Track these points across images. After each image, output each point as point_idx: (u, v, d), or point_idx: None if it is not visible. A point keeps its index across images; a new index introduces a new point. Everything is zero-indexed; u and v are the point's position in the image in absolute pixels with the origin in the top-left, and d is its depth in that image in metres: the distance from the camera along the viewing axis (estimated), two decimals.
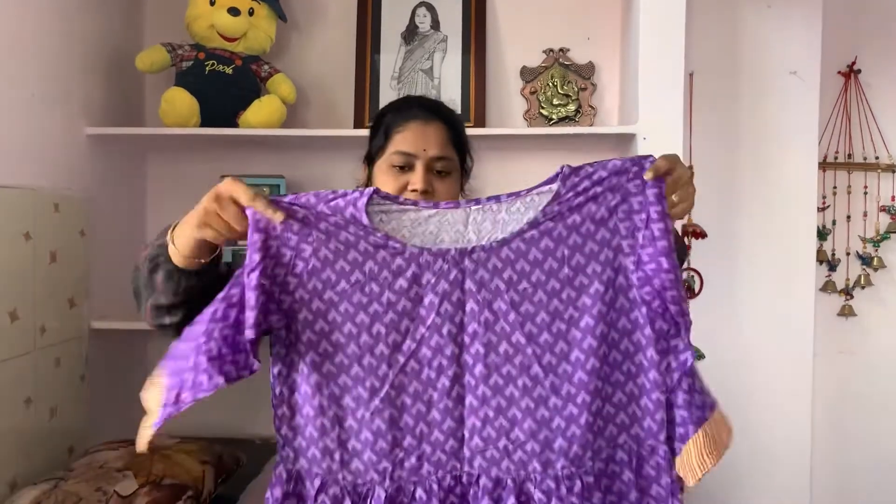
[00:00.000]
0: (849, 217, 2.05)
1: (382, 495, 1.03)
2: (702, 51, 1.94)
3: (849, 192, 2.05)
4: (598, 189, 1.04)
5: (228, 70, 1.87)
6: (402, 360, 1.03)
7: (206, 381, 0.97)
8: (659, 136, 1.69)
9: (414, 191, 1.22)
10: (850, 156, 2.06)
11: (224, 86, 1.86)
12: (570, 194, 1.03)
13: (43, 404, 1.59)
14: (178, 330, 1.13)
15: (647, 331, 1.04)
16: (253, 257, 0.98)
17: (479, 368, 1.03)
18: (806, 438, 1.92)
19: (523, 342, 1.03)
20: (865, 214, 2.04)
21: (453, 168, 1.28)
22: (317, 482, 1.03)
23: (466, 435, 1.04)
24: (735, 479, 1.91)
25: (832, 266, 2.05)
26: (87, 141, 1.79)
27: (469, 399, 1.04)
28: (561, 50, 2.01)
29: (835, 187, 2.05)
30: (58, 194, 1.66)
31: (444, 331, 1.03)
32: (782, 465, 1.91)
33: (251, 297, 0.97)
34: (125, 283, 1.99)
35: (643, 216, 1.03)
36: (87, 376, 1.76)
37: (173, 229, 1.09)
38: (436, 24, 2.02)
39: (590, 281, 1.03)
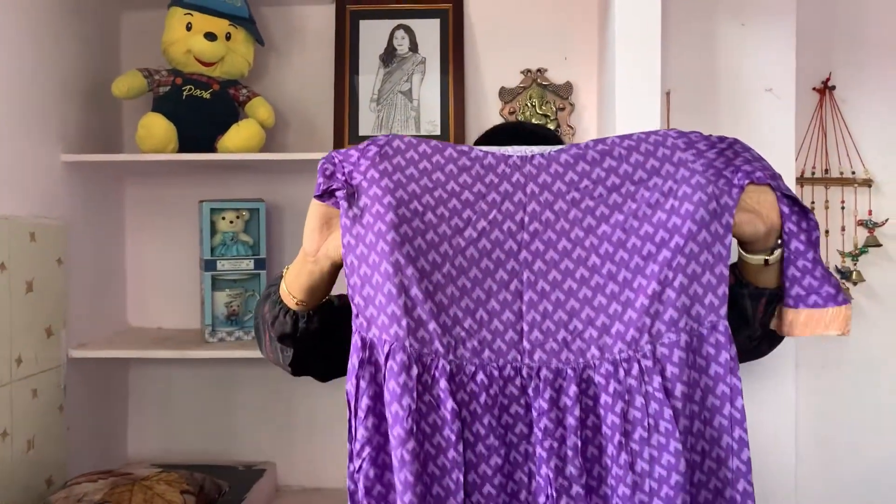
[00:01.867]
0: (827, 231, 2.06)
1: (447, 367, 1.06)
2: (678, 69, 1.95)
3: (826, 208, 2.07)
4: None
5: (206, 95, 1.86)
6: (463, 244, 1.07)
7: None
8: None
9: None
10: (826, 171, 2.07)
11: (202, 111, 1.86)
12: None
13: (20, 436, 1.56)
14: (293, 369, 1.23)
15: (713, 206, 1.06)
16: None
17: (537, 265, 1.07)
18: (790, 453, 1.92)
19: (582, 236, 1.07)
20: (843, 229, 2.05)
21: None
22: (385, 348, 1.06)
23: (526, 328, 1.07)
24: None
25: None
26: (64, 168, 1.78)
27: (528, 295, 1.07)
28: (539, 70, 2.02)
29: (812, 202, 2.07)
30: (34, 223, 1.64)
31: (505, 227, 1.07)
32: (768, 472, 1.91)
33: None
34: (104, 311, 1.99)
35: None
36: (65, 406, 1.73)
37: (287, 269, 1.16)
38: (414, 47, 2.02)
39: (649, 175, 1.08)
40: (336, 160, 1.09)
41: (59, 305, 1.73)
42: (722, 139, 1.12)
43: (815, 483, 2.02)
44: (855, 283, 2.04)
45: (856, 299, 2.06)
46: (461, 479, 1.07)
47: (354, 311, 1.08)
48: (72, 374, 1.77)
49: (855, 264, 2.04)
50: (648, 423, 1.06)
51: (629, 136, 1.11)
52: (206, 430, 2.08)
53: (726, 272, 1.06)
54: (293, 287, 1.14)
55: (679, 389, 1.06)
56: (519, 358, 1.08)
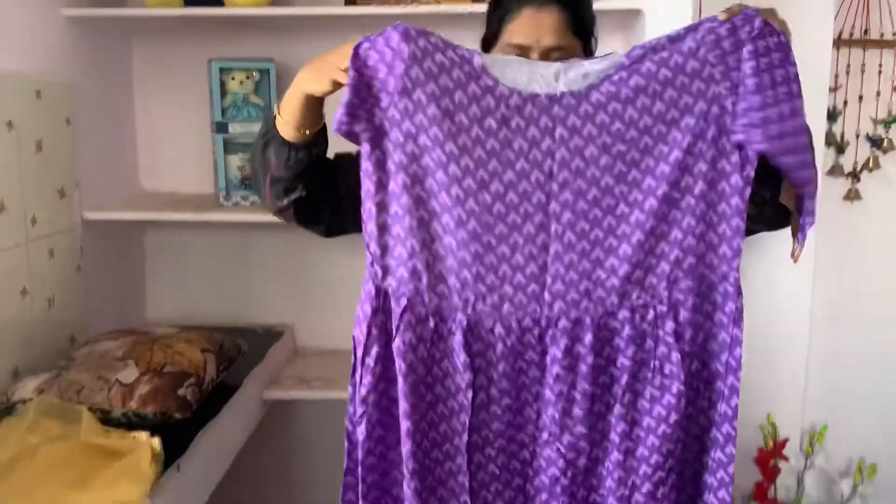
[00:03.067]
0: (861, 97, 1.97)
1: (464, 322, 1.07)
2: None
3: (863, 71, 1.97)
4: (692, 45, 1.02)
5: None
6: (489, 199, 1.04)
7: None
8: (667, 12, 1.60)
9: None
10: (866, 31, 1.96)
11: None
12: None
13: (39, 295, 1.58)
14: (297, 212, 1.20)
15: (735, 158, 1.04)
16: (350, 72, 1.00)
17: (566, 216, 1.05)
18: (804, 323, 1.92)
19: (612, 183, 1.04)
20: (878, 94, 1.96)
21: (573, 56, 1.18)
22: (403, 301, 1.07)
23: (549, 281, 1.07)
24: None
25: (840, 149, 1.99)
26: (66, 23, 1.70)
27: (554, 247, 1.06)
28: None
29: (848, 65, 1.96)
30: (40, 80, 1.59)
31: (532, 178, 1.04)
32: (780, 351, 1.92)
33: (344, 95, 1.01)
34: (116, 173, 1.96)
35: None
36: (83, 268, 1.75)
37: (280, 103, 1.12)
38: None
39: (681, 114, 1.03)
40: (363, 79, 1.01)
41: (70, 166, 1.71)
42: (766, 52, 1.02)
43: (826, 355, 2.02)
44: (885, 152, 1.97)
45: (883, 168, 1.99)
46: (467, 422, 1.11)
47: (369, 258, 1.08)
48: (87, 236, 1.77)
49: (887, 131, 1.97)
50: (654, 366, 1.10)
51: (666, 62, 1.03)
52: (223, 294, 2.11)
53: (742, 225, 1.06)
54: (289, 117, 1.10)
55: (689, 334, 1.09)
56: (538, 309, 1.09)
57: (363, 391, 1.10)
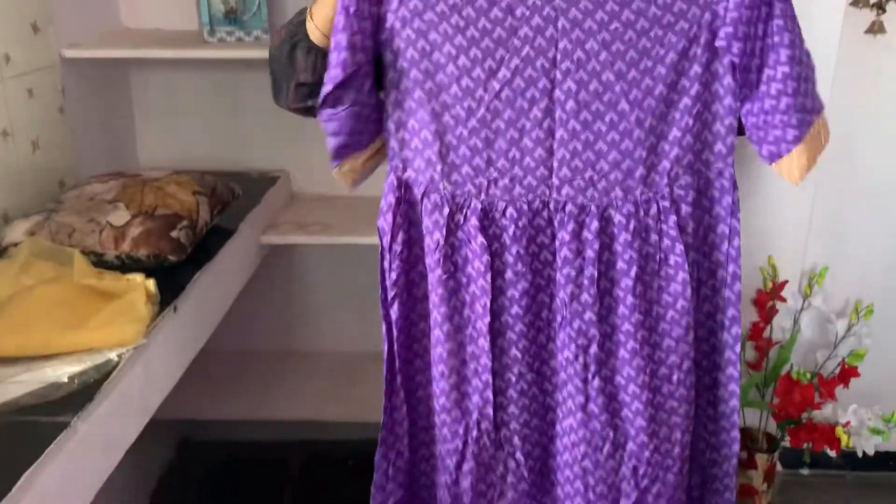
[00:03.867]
0: None
1: (478, 207, 1.15)
2: None
3: None
4: None
5: None
6: (497, 86, 1.10)
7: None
8: None
9: None
10: None
11: None
12: None
13: (22, 137, 1.52)
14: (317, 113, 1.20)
15: (727, 60, 1.10)
16: None
17: (570, 104, 1.10)
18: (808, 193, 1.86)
19: (613, 80, 1.09)
20: None
21: None
22: (420, 189, 1.16)
23: (556, 165, 1.13)
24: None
25: None
26: None
27: (560, 132, 1.12)
28: None
29: None
30: None
31: (538, 64, 1.09)
32: (784, 192, 1.87)
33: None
34: (94, 8, 1.84)
35: None
36: (66, 109, 1.68)
37: (311, 7, 1.13)
38: None
39: (675, 18, 1.08)
40: None
41: None
42: None
43: (832, 197, 1.98)
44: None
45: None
46: (488, 304, 1.18)
47: (390, 154, 1.17)
48: (68, 75, 1.69)
49: None
50: (660, 258, 1.17)
51: None
52: (217, 138, 2.04)
53: (735, 124, 1.14)
54: (322, 22, 1.10)
55: (691, 227, 1.17)
56: (547, 192, 1.15)
57: (393, 276, 1.20)
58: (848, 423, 1.73)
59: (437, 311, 1.20)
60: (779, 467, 1.95)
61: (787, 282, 1.89)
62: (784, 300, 1.89)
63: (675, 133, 1.13)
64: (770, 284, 1.88)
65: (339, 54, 1.06)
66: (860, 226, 1.98)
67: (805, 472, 2.12)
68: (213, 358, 2.03)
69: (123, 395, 1.09)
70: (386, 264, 1.20)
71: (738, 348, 1.22)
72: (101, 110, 1.87)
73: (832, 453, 1.78)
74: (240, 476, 2.14)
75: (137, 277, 1.26)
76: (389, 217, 1.18)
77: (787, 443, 1.88)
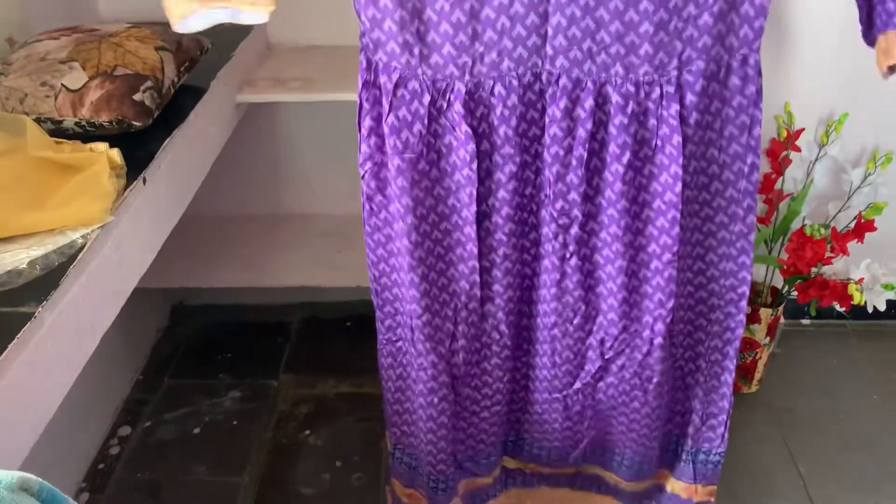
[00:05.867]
0: None
1: (462, 90, 1.05)
2: None
3: None
4: None
5: None
6: None
7: None
8: None
9: None
10: None
11: None
12: None
13: None
14: None
15: None
16: None
17: None
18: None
19: None
20: None
21: None
22: (395, 76, 1.05)
23: (550, 32, 1.02)
24: None
25: None
26: None
27: None
28: None
29: None
30: None
31: None
32: (803, 35, 1.72)
33: None
34: None
35: None
36: None
37: None
38: None
39: None
40: None
41: None
42: None
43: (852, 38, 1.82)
44: None
45: None
46: (475, 192, 1.11)
47: (360, 29, 1.03)
48: None
49: None
50: (656, 144, 1.08)
51: None
52: None
53: (767, 4, 1.01)
54: None
55: (694, 118, 1.07)
56: (540, 63, 1.04)
57: (360, 158, 1.13)
58: (861, 279, 1.67)
59: (409, 200, 1.13)
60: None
61: (803, 129, 1.77)
62: (798, 150, 1.78)
63: (690, 9, 1.00)
64: (785, 133, 1.77)
65: None
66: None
67: (806, 321, 2.10)
68: (200, 224, 1.96)
69: (93, 279, 1.00)
70: (359, 138, 1.12)
71: (752, 237, 1.20)
72: None
73: (841, 309, 1.73)
74: (237, 338, 2.12)
75: (100, 146, 1.14)
76: (357, 99, 1.09)
77: (793, 296, 1.84)
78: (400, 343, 1.29)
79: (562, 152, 1.10)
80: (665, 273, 1.17)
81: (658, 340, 1.23)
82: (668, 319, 1.21)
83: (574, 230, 1.15)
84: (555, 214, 1.14)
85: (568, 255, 1.18)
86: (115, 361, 1.89)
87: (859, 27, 1.15)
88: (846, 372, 1.98)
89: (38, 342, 0.88)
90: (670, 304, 1.19)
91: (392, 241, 1.20)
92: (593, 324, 1.24)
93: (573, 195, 1.12)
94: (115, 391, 1.91)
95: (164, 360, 2.05)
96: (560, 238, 1.16)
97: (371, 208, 1.18)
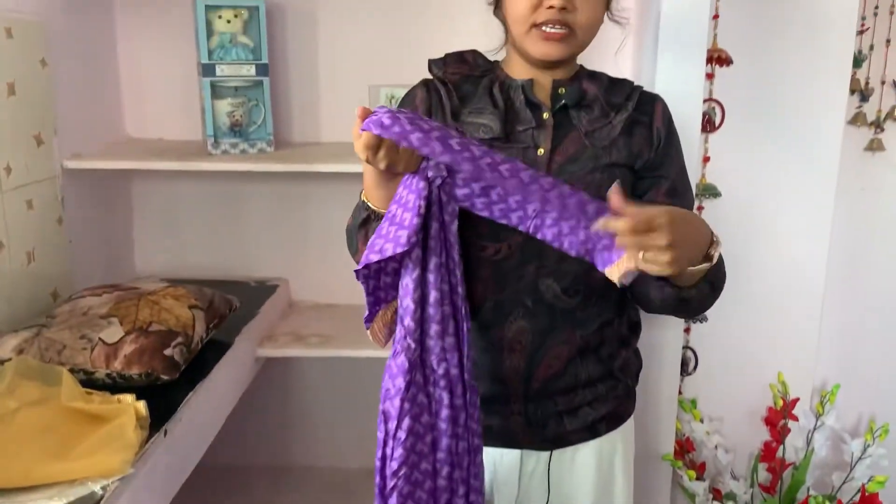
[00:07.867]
0: (888, 41, 1.86)
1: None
2: None
3: (891, 13, 1.85)
4: None
5: None
6: None
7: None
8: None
9: (550, 7, 1.05)
10: None
11: None
12: None
13: (18, 248, 1.49)
14: None
15: None
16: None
17: None
18: (820, 276, 1.84)
19: None
20: None
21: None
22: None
23: None
24: (746, 316, 1.84)
25: (864, 97, 1.88)
26: None
27: None
28: None
29: (876, 7, 1.84)
30: (8, 17, 1.47)
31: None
32: (793, 308, 1.85)
33: None
34: (99, 119, 1.85)
35: None
36: (65, 219, 1.66)
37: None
38: None
39: None
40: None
41: (47, 111, 1.60)
42: None
43: (841, 307, 1.95)
44: None
45: None
46: None
47: (401, 332, 1.03)
48: (69, 185, 1.67)
49: None
50: None
51: None
52: (215, 247, 2.02)
53: None
54: (376, 200, 1.06)
55: None
56: None
57: (394, 465, 1.04)
58: None
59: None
60: None
61: (798, 399, 1.83)
62: (796, 419, 1.82)
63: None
64: (780, 402, 1.82)
65: (405, 230, 0.99)
66: (870, 343, 1.94)
67: None
68: (207, 472, 1.94)
69: None
70: (388, 451, 1.05)
71: None
72: (101, 219, 1.85)
73: None
74: None
75: (127, 398, 1.20)
76: (397, 402, 1.03)
77: None
78: None
79: None
80: None
81: None
82: None
83: None
84: None
85: None
86: None
87: None
88: None
89: None
90: None
91: None
92: None
93: None
94: None
95: None
96: None
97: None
